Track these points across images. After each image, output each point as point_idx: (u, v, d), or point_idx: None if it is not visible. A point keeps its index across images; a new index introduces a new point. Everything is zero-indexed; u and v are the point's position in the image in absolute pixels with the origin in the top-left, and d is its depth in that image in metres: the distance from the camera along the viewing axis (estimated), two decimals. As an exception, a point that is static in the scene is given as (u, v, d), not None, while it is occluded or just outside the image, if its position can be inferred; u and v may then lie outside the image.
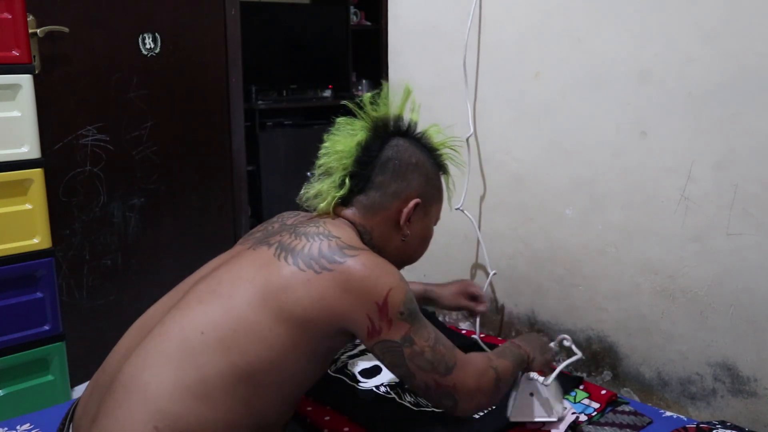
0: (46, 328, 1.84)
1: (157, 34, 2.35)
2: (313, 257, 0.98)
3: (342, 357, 1.43)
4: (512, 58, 1.51)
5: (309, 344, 0.97)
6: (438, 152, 1.17)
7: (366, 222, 1.09)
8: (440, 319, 1.71)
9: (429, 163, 1.14)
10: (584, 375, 1.45)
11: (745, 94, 1.16)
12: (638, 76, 1.30)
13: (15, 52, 1.72)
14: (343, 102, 1.17)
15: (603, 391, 1.30)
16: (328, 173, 1.10)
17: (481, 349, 1.47)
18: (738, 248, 1.21)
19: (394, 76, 1.78)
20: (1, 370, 1.79)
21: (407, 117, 1.15)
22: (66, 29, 2.11)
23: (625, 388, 1.40)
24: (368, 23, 4.41)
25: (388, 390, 1.30)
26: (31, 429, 1.23)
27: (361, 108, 1.11)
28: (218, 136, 2.61)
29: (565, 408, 1.21)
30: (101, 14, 2.22)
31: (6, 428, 1.23)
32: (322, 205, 1.09)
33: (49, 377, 1.89)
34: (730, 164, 1.20)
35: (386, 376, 1.34)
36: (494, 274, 1.60)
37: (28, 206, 1.78)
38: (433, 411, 1.21)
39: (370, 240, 1.09)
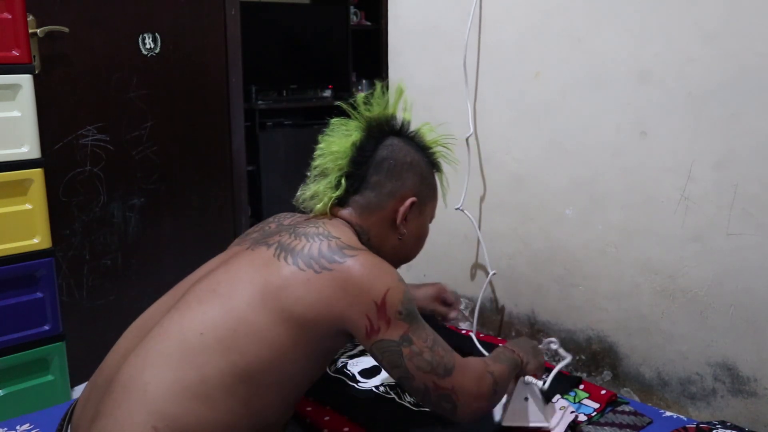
0: (46, 328, 1.84)
1: (157, 34, 2.35)
2: (312, 257, 0.98)
3: (342, 357, 1.43)
4: (512, 58, 1.51)
5: (309, 344, 0.98)
6: (431, 150, 1.18)
7: (363, 222, 1.09)
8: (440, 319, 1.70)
9: (423, 162, 1.14)
10: (584, 375, 1.45)
11: (745, 94, 1.16)
12: (638, 76, 1.30)
13: (15, 52, 1.72)
14: (337, 103, 1.17)
15: (603, 391, 1.30)
16: (323, 174, 1.10)
17: (477, 348, 1.48)
18: (738, 248, 1.21)
19: (394, 76, 1.78)
20: (1, 370, 1.79)
21: (400, 116, 1.16)
22: (66, 29, 2.11)
23: (625, 388, 1.40)
24: (368, 23, 4.41)
25: (388, 390, 1.30)
26: (31, 429, 1.23)
27: (354, 108, 1.11)
28: (218, 136, 2.61)
29: (564, 407, 1.21)
30: (101, 14, 2.22)
31: (6, 428, 1.23)
32: (318, 206, 1.09)
33: (49, 377, 1.89)
34: (730, 164, 1.20)
35: (386, 376, 1.34)
36: (494, 274, 1.60)
37: (28, 206, 1.78)
38: (432, 411, 1.22)
39: (367, 240, 1.09)
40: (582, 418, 1.22)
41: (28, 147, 1.76)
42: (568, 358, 1.25)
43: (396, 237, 1.12)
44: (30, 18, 1.97)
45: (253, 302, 0.96)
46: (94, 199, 2.27)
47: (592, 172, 1.40)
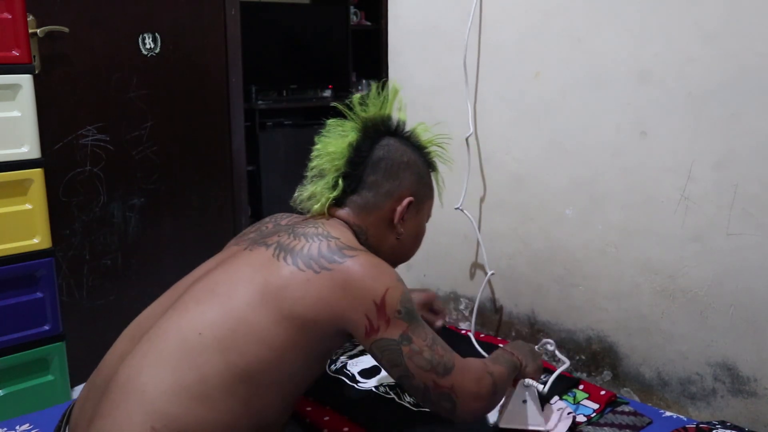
0: (46, 328, 1.84)
1: (157, 34, 2.35)
2: (312, 257, 0.99)
3: (342, 357, 1.43)
4: (512, 58, 1.51)
5: (308, 344, 0.98)
6: (427, 150, 1.18)
7: (361, 222, 1.10)
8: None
9: (419, 161, 1.15)
10: (584, 375, 1.45)
11: (745, 94, 1.16)
12: (638, 76, 1.30)
13: (15, 52, 1.72)
14: (333, 104, 1.18)
15: (602, 392, 1.30)
16: (320, 175, 1.11)
17: (475, 348, 1.48)
18: (738, 248, 1.21)
19: (394, 76, 1.78)
20: (1, 370, 1.79)
21: (394, 116, 1.16)
22: (66, 29, 2.11)
23: (625, 388, 1.40)
24: (368, 23, 4.41)
25: (388, 390, 1.30)
26: (31, 429, 1.23)
27: (351, 109, 1.12)
28: (218, 136, 2.61)
29: (561, 408, 1.21)
30: (101, 14, 2.22)
31: (5, 428, 1.23)
32: (316, 206, 1.09)
33: (49, 377, 1.89)
34: (730, 164, 1.20)
35: (385, 376, 1.34)
36: (492, 274, 1.60)
37: (28, 206, 1.78)
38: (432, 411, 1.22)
39: (365, 240, 1.09)
40: (581, 418, 1.22)
41: (28, 147, 1.76)
42: (567, 363, 1.24)
43: (394, 236, 1.12)
44: (30, 18, 1.97)
45: (252, 302, 0.96)
46: (94, 199, 2.27)
47: (592, 172, 1.40)
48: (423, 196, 1.15)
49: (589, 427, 1.19)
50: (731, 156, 1.19)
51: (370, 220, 1.10)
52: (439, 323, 1.38)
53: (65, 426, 1.02)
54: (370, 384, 1.33)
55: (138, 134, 2.35)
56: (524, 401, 1.15)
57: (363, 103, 1.12)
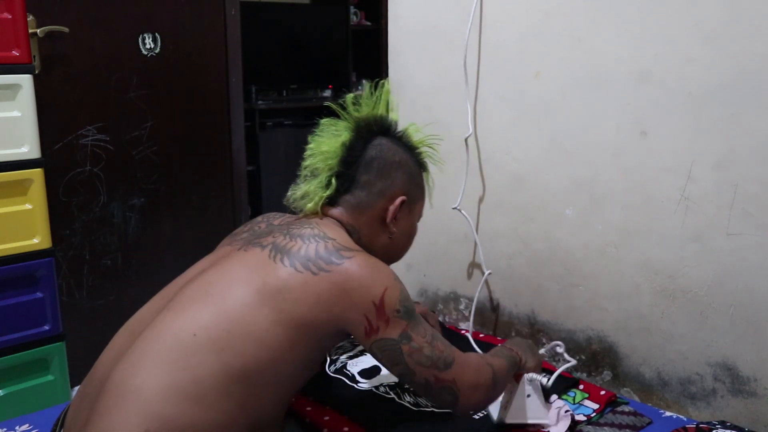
0: (46, 328, 1.84)
1: (157, 34, 2.35)
2: (310, 258, 0.99)
3: (342, 357, 1.43)
4: (512, 58, 1.51)
5: (307, 344, 0.98)
6: (418, 150, 1.19)
7: (354, 221, 1.10)
8: (440, 319, 1.71)
9: (411, 161, 1.16)
10: (584, 375, 1.45)
11: (745, 94, 1.16)
12: (638, 76, 1.30)
13: (15, 52, 1.72)
14: (326, 103, 1.18)
15: (602, 392, 1.30)
16: (314, 174, 1.11)
17: (474, 348, 1.48)
18: (738, 248, 1.21)
19: (394, 76, 1.78)
20: (1, 370, 1.79)
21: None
22: (66, 29, 2.11)
23: (625, 388, 1.40)
24: (368, 23, 4.41)
25: (388, 390, 1.30)
26: (31, 429, 1.23)
27: (344, 109, 1.12)
28: (218, 136, 2.61)
29: (560, 407, 1.21)
30: (101, 14, 2.22)
31: (5, 428, 1.23)
32: (309, 205, 1.10)
33: (49, 377, 1.89)
34: (730, 164, 1.20)
35: (385, 374, 1.34)
36: (489, 273, 1.60)
37: (28, 206, 1.78)
38: (432, 411, 1.22)
39: (358, 239, 1.10)
40: (581, 418, 1.22)
41: (28, 147, 1.76)
42: (573, 362, 1.25)
43: (386, 236, 1.13)
44: (30, 18, 1.97)
45: (250, 303, 0.95)
46: (94, 199, 2.27)
47: (592, 172, 1.40)
48: (415, 196, 1.16)
49: (589, 427, 1.19)
50: (731, 156, 1.19)
51: (363, 219, 1.11)
52: None
53: (60, 428, 1.01)
54: (369, 384, 1.33)
55: (138, 134, 2.35)
56: (528, 396, 1.15)
57: (356, 102, 1.13)
